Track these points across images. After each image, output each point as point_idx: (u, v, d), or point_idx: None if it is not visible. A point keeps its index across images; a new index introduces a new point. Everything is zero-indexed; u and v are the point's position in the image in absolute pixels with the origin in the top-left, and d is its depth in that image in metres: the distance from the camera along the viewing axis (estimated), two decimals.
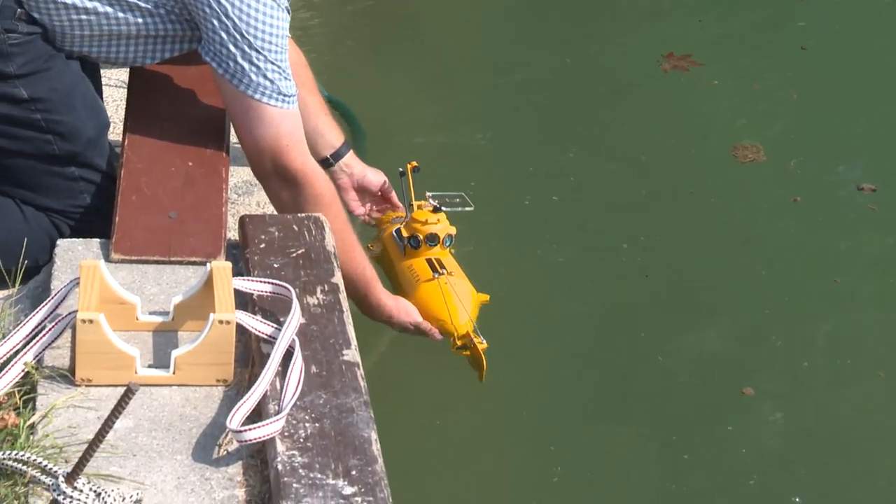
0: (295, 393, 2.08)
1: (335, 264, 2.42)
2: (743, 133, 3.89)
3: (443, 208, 3.05)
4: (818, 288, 3.36)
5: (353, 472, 1.96)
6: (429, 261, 2.98)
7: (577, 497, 2.75)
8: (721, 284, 3.35)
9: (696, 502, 2.79)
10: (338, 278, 2.38)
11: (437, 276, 2.94)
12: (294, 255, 2.42)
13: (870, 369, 3.15)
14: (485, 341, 2.85)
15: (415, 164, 3.10)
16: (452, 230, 3.04)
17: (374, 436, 2.05)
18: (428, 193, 3.08)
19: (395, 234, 3.05)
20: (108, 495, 1.83)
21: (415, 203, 3.07)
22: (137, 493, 1.88)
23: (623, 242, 3.35)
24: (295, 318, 2.21)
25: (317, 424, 2.05)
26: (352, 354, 2.21)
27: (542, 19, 4.39)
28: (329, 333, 2.25)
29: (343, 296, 2.34)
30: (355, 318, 2.33)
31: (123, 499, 1.84)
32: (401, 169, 3.12)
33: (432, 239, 3.00)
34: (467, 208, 3.15)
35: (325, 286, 2.36)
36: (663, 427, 2.92)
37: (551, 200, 3.53)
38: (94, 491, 1.82)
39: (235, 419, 2.03)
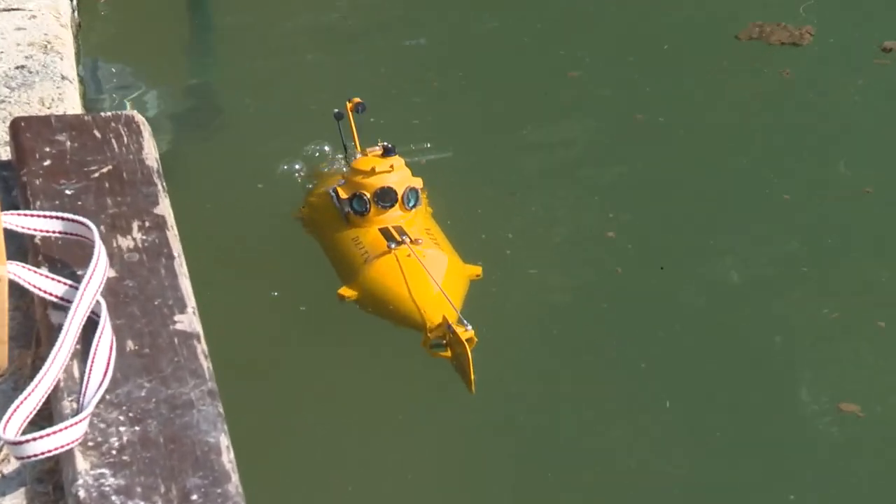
0: (102, 382, 1.73)
1: (160, 186, 1.97)
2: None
3: (396, 153, 2.37)
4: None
5: (195, 497, 1.61)
6: (383, 229, 2.26)
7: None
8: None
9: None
10: (164, 207, 1.93)
11: (392, 246, 2.22)
12: (97, 174, 2.00)
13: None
14: (471, 328, 2.13)
15: (357, 100, 2.43)
16: (417, 182, 2.35)
17: (223, 441, 1.67)
18: (381, 142, 2.44)
19: (331, 193, 2.33)
20: None
21: (363, 151, 2.39)
22: None
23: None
24: (99, 270, 1.83)
25: (137, 428, 1.69)
26: (188, 321, 1.82)
27: None
28: (153, 291, 1.85)
29: (173, 233, 1.90)
30: (196, 265, 1.90)
31: None
32: (336, 110, 2.44)
33: (385, 197, 2.29)
34: (444, 154, 2.59)
35: (146, 220, 1.94)
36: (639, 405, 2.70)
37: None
38: None
39: (12, 426, 1.69)
